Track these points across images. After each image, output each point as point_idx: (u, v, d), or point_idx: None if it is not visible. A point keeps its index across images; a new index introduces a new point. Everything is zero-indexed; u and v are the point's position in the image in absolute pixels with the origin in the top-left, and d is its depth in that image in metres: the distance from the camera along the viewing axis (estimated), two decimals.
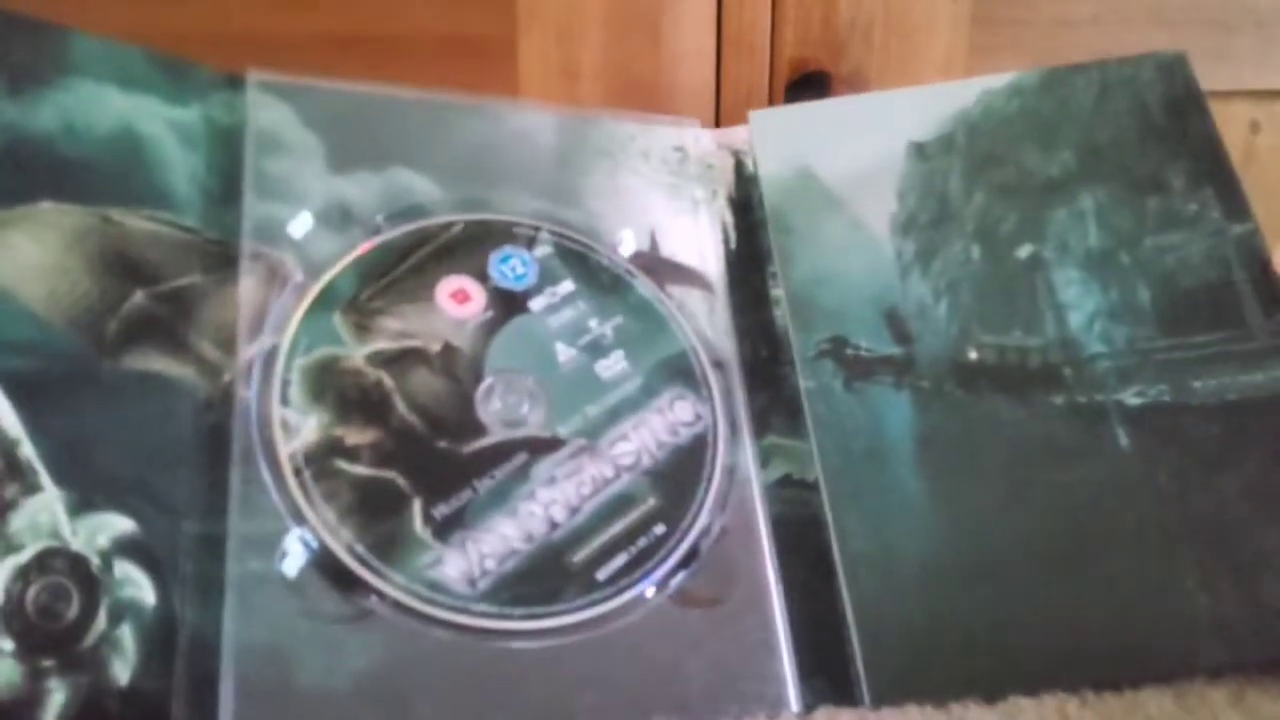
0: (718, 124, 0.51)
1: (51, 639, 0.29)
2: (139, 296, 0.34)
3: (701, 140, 0.45)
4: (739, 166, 0.45)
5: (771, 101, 0.52)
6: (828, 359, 0.39)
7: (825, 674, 0.35)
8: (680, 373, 0.39)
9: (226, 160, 0.38)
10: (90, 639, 0.30)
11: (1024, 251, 0.41)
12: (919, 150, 0.43)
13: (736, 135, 0.45)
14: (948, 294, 0.40)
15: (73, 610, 0.30)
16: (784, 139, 0.44)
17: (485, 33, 0.46)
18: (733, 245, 0.43)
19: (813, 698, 0.34)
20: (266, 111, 0.39)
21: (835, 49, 0.52)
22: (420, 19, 0.46)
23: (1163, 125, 0.43)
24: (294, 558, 0.32)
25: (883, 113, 0.44)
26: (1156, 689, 0.33)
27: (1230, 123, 0.51)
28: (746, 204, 0.44)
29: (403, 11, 0.47)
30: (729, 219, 0.44)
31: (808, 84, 0.52)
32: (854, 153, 0.44)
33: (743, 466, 0.38)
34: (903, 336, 0.40)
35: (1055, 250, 0.41)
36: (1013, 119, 0.43)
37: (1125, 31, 0.53)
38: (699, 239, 0.42)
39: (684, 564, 0.35)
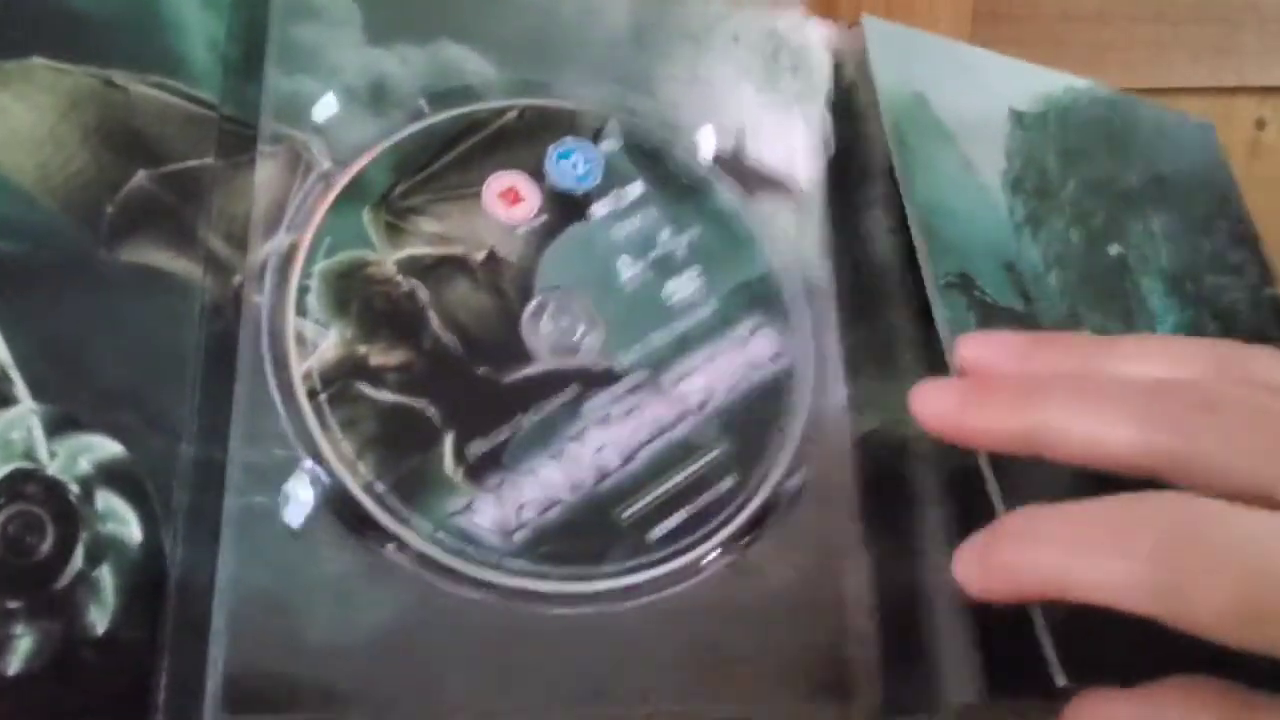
0: None
1: (19, 577, 0.25)
2: (142, 177, 0.30)
3: (803, 29, 0.38)
4: (838, 72, 0.38)
5: None
6: (957, 292, 0.34)
7: (910, 664, 0.30)
8: (763, 299, 0.33)
9: (250, 25, 0.32)
10: (64, 579, 0.26)
11: (1114, 250, 0.38)
12: (1019, 118, 0.39)
13: (837, 36, 0.39)
14: (1056, 266, 0.36)
15: (46, 545, 0.26)
16: (899, 56, 0.38)
17: None
18: (830, 157, 0.37)
19: (896, 692, 0.29)
20: None
21: None
22: None
23: (1205, 180, 0.43)
24: (302, 496, 0.28)
25: (986, 69, 0.40)
26: None
27: (1235, 119, 0.52)
28: (845, 114, 0.37)
29: None
30: (829, 126, 0.37)
31: None
32: (963, 96, 0.38)
33: (833, 414, 0.32)
34: (1024, 294, 0.34)
35: (1137, 259, 0.38)
36: (1093, 123, 0.41)
37: (1129, 27, 0.52)
38: (794, 144, 0.36)
39: (755, 524, 0.30)
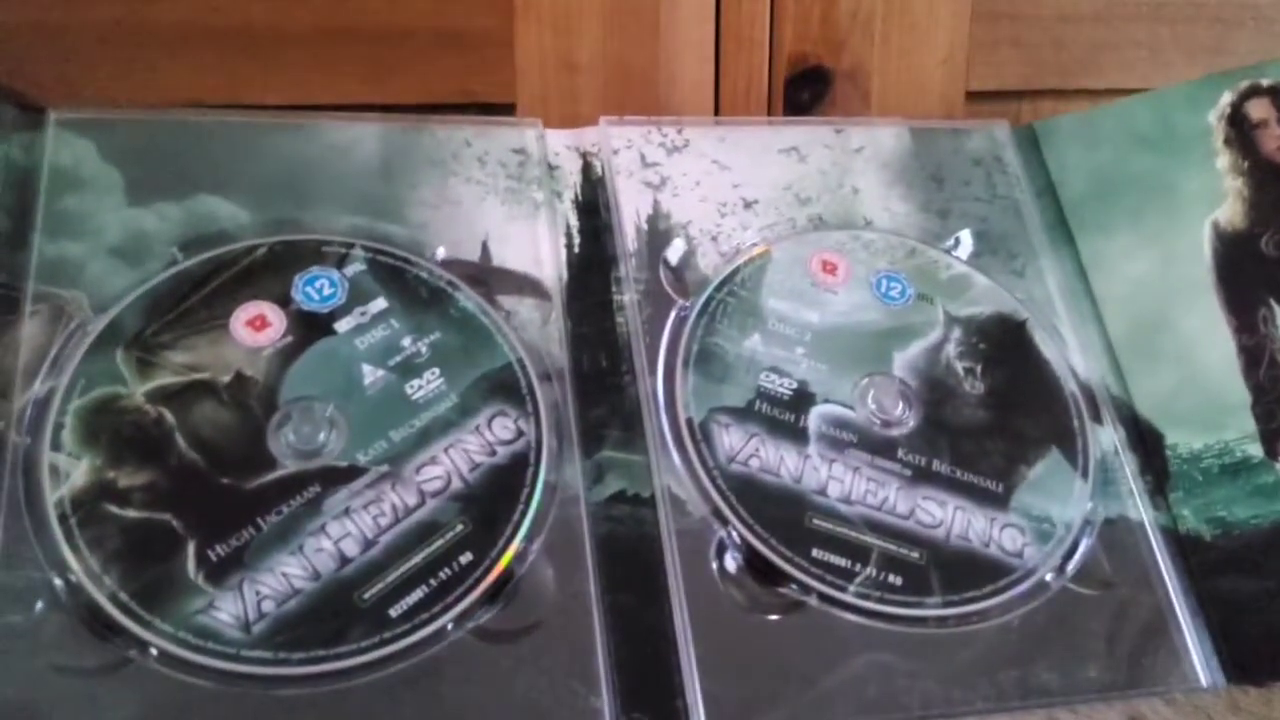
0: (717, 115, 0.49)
1: None
2: None
3: (545, 141, 0.42)
4: (586, 169, 0.42)
5: (771, 96, 0.49)
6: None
7: (648, 707, 0.31)
8: (502, 388, 0.36)
9: (21, 201, 0.36)
10: None
11: None
12: None
13: (584, 137, 0.43)
14: None
15: None
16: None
17: (482, 25, 0.46)
18: (576, 250, 0.40)
19: None
20: (66, 149, 0.37)
21: (835, 43, 0.50)
22: (417, 12, 0.46)
23: None
24: (43, 607, 0.30)
25: None
26: (1149, 697, 0.33)
27: None
28: (593, 207, 0.41)
29: (399, 4, 0.47)
30: (574, 222, 0.41)
31: (808, 78, 0.50)
32: None
33: (568, 484, 0.35)
34: None
35: None
36: None
37: (1127, 27, 0.52)
38: (536, 245, 0.40)
39: (494, 593, 0.33)
